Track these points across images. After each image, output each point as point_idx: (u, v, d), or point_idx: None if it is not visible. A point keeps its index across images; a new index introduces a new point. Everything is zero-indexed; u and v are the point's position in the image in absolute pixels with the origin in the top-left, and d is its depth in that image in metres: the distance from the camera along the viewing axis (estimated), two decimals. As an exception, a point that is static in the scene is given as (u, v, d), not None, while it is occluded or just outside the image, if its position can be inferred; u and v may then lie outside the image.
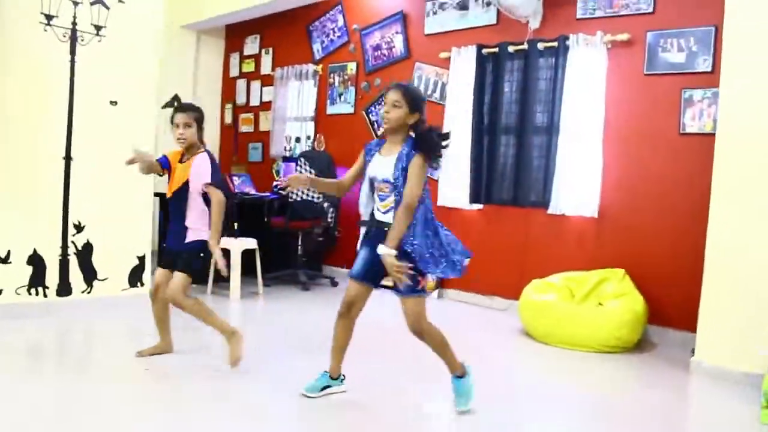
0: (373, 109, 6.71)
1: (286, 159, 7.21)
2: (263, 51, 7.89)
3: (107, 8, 4.63)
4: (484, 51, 5.70)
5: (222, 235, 3.55)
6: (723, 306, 3.88)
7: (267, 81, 7.81)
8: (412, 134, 2.94)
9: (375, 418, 3.08)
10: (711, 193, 3.97)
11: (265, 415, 3.02)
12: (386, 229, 2.91)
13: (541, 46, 5.37)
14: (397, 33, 6.49)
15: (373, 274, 3.01)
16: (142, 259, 4.95)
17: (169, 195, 3.60)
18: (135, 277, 4.92)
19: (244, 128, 8.18)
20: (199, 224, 3.52)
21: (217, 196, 3.46)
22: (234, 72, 8.29)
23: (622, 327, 4.36)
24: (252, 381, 3.42)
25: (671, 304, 4.71)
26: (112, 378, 3.39)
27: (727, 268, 3.87)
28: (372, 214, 3.05)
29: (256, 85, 7.98)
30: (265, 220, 6.38)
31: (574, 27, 5.23)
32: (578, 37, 5.14)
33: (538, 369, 4.16)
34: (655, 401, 3.51)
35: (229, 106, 8.35)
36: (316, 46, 7.28)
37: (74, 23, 4.49)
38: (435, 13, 6.18)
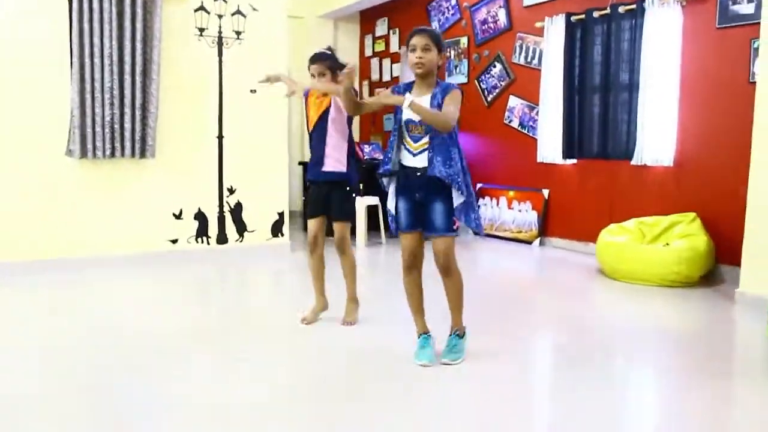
0: (483, 77, 7.42)
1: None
2: (391, 32, 8.84)
3: (244, 16, 5.82)
4: (573, 18, 6.21)
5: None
6: (763, 243, 4.26)
7: (396, 58, 8.77)
8: (439, 80, 3.02)
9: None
10: (752, 138, 4.33)
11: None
12: (418, 174, 2.97)
13: (621, 9, 5.79)
14: (500, 7, 7.12)
15: (420, 220, 3.07)
16: (281, 214, 6.17)
17: (311, 128, 3.73)
18: (276, 228, 6.15)
19: (379, 102, 9.21)
20: (336, 155, 3.68)
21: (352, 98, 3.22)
22: (368, 52, 9.35)
23: (680, 263, 4.82)
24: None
25: (740, 245, 5.03)
26: (258, 302, 4.60)
27: (766, 208, 4.24)
28: (399, 163, 3.06)
29: (386, 62, 8.98)
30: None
31: (650, -11, 5.60)
32: (654, -1, 5.53)
33: (603, 300, 4.81)
34: (685, 324, 4.06)
35: (365, 82, 9.43)
36: (435, 24, 8.08)
37: (220, 32, 5.73)
38: (531, -15, 6.75)
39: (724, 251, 5.11)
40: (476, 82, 7.52)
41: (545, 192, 6.77)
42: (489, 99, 7.38)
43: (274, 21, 6.00)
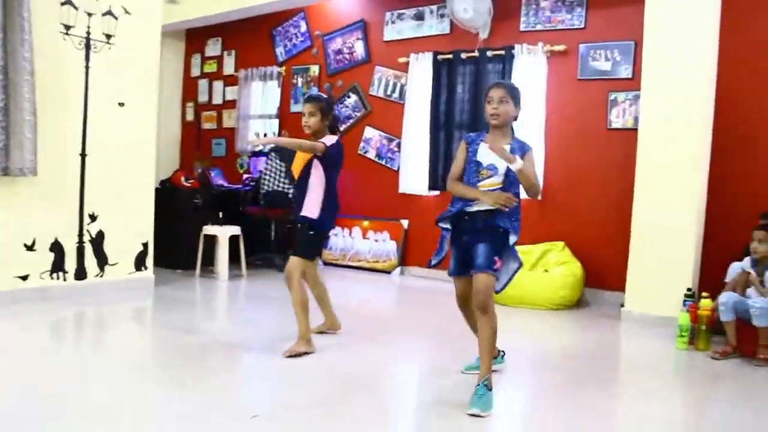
0: (336, 107, 7.39)
1: (255, 154, 7.77)
2: (225, 53, 8.44)
3: (116, 18, 5.13)
4: (440, 57, 6.53)
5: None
6: (645, 267, 4.87)
7: (230, 81, 8.37)
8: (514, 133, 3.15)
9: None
10: (635, 176, 4.95)
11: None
12: (482, 215, 3.05)
13: (490, 53, 6.25)
14: (358, 39, 7.21)
15: (467, 266, 3.11)
16: (145, 245, 5.48)
17: (296, 178, 3.89)
18: (140, 261, 5.45)
19: (207, 125, 8.70)
20: (312, 204, 3.75)
21: (320, 145, 3.64)
22: (195, 72, 8.79)
23: (565, 288, 5.30)
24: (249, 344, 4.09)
25: (603, 270, 5.68)
26: (121, 351, 4.00)
27: (648, 237, 4.86)
28: (462, 210, 3.12)
29: (218, 84, 8.52)
30: (241, 209, 6.98)
31: (518, 38, 6.14)
32: (523, 47, 6.05)
33: (503, 324, 5.02)
34: (595, 342, 4.46)
35: (190, 104, 8.84)
36: (279, 50, 7.90)
37: (88, 33, 4.98)
38: (393, 22, 6.96)
39: (589, 276, 5.70)
40: (327, 111, 7.47)
41: (404, 222, 6.94)
42: (342, 129, 7.38)
43: (147, 27, 5.38)
